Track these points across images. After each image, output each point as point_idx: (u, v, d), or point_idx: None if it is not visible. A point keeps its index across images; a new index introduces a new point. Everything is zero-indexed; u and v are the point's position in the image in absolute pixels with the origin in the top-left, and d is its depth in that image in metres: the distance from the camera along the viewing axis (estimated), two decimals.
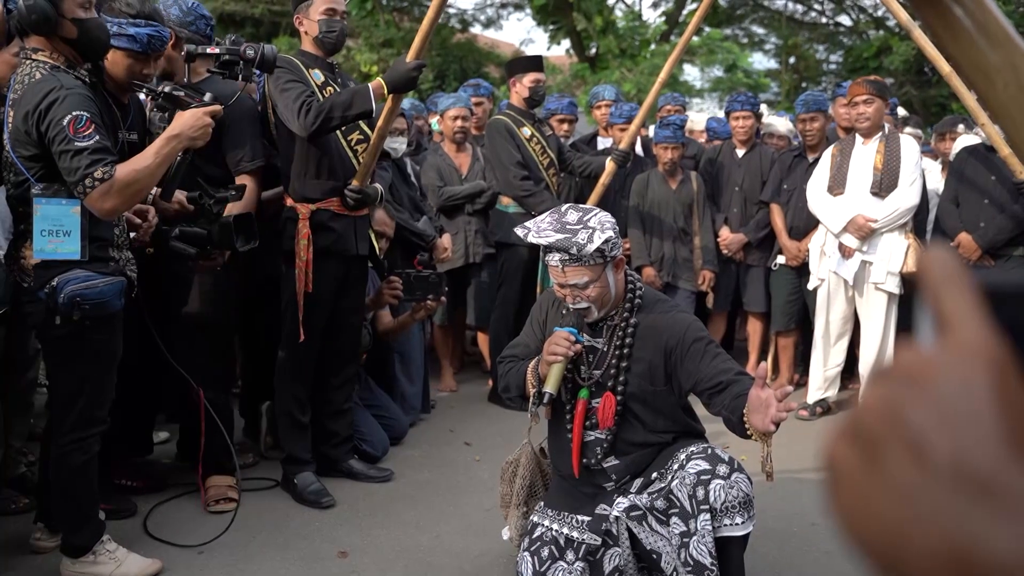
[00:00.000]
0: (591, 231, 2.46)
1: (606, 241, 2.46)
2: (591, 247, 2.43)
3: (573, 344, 2.47)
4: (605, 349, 2.62)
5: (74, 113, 2.49)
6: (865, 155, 4.56)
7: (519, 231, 2.58)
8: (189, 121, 2.66)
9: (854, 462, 0.37)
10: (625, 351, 2.58)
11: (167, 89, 2.81)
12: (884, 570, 0.35)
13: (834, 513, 0.38)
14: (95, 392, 2.73)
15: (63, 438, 2.73)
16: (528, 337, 2.79)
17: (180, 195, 3.03)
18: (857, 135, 4.62)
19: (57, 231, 2.57)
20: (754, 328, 5.59)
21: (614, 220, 2.57)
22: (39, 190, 2.56)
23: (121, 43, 2.79)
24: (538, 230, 2.51)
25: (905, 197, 4.43)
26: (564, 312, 2.62)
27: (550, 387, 2.46)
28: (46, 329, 2.66)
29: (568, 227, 2.48)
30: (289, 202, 3.51)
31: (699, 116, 7.11)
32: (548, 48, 15.57)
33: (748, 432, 2.26)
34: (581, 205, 2.65)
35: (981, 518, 0.33)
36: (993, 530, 0.32)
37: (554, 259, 2.50)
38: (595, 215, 2.53)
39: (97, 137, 2.51)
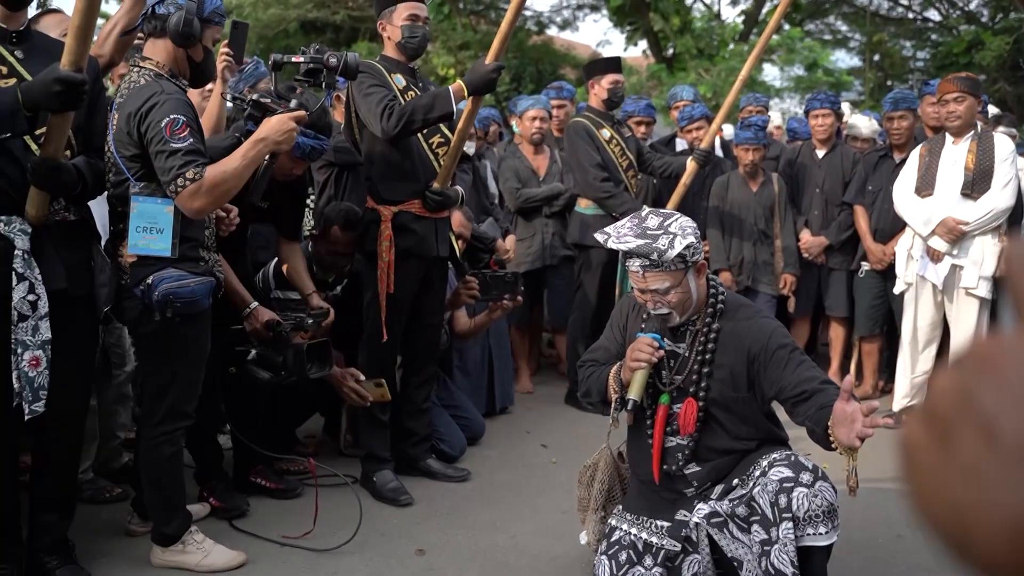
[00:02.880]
0: (672, 236, 2.44)
1: (687, 247, 2.43)
2: (672, 253, 2.41)
3: (656, 351, 2.45)
4: (687, 354, 2.59)
5: (171, 116, 2.61)
6: (956, 155, 4.41)
7: (599, 236, 2.56)
8: (275, 126, 2.75)
9: (927, 443, 0.38)
10: (708, 356, 2.55)
11: (255, 97, 2.91)
12: (953, 547, 0.37)
13: (907, 493, 0.39)
14: (184, 387, 2.84)
15: (152, 431, 2.84)
16: (608, 341, 2.78)
17: (265, 316, 3.24)
18: (947, 134, 4.47)
19: (151, 228, 2.69)
20: (836, 333, 5.45)
21: (695, 225, 2.54)
22: (138, 188, 2.70)
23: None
24: (618, 236, 2.49)
25: (999, 198, 4.26)
26: (645, 317, 2.60)
27: (634, 394, 2.44)
28: (139, 324, 2.79)
29: (648, 232, 2.46)
30: (371, 204, 3.57)
31: (775, 114, 7.01)
32: (625, 49, 15.45)
33: (832, 444, 2.22)
34: (662, 210, 2.62)
35: None
36: None
37: (635, 264, 2.48)
38: (676, 220, 2.50)
39: (191, 140, 2.63)
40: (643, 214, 2.57)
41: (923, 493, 0.38)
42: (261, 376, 3.22)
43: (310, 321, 3.31)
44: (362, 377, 3.53)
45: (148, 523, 3.05)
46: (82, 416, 2.87)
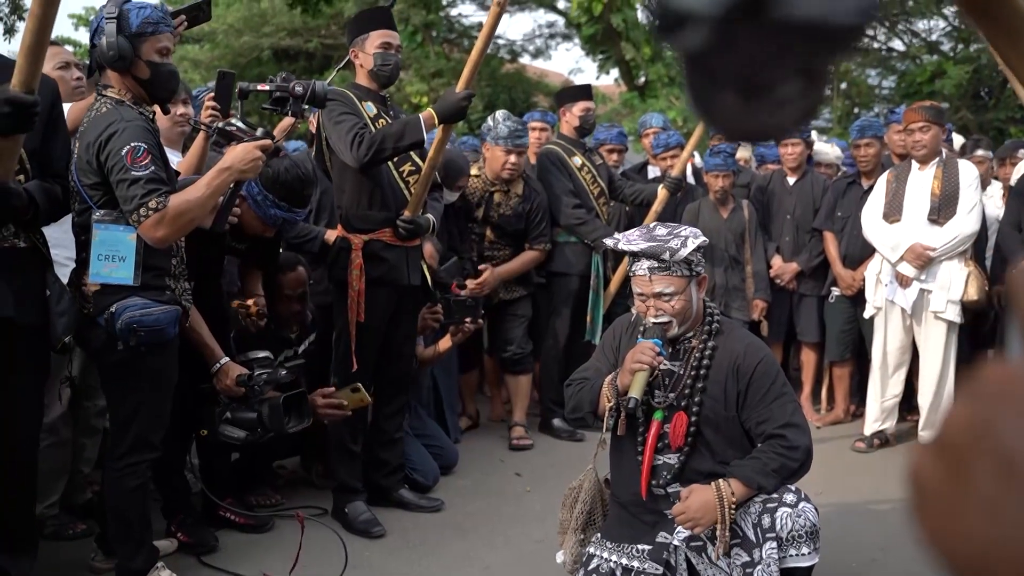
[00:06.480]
0: (684, 238, 2.52)
1: (697, 249, 2.51)
2: (685, 251, 2.48)
3: (657, 355, 2.44)
4: (681, 371, 2.59)
5: (132, 144, 2.57)
6: (922, 181, 4.47)
7: (608, 242, 2.68)
8: (240, 155, 2.72)
9: (941, 477, 0.37)
10: (702, 372, 2.56)
11: (220, 125, 2.89)
12: None
13: (920, 529, 0.38)
14: (150, 418, 2.78)
15: (117, 462, 2.78)
16: (599, 362, 2.76)
17: (234, 371, 3.11)
18: (913, 161, 4.54)
19: (113, 256, 2.64)
20: (808, 358, 5.48)
21: (705, 238, 2.61)
22: (99, 216, 2.65)
23: (258, 211, 3.19)
24: (628, 240, 2.57)
25: (964, 224, 4.32)
26: (643, 329, 2.58)
27: (635, 392, 2.41)
28: (104, 354, 2.73)
29: (659, 238, 2.54)
30: (342, 232, 3.55)
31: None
32: (597, 77, 15.63)
33: None
34: (667, 223, 2.74)
35: None
36: None
37: (642, 267, 2.53)
38: (685, 228, 2.61)
39: (153, 168, 2.59)
40: (651, 226, 2.68)
41: (937, 527, 0.37)
42: (236, 436, 3.09)
43: (283, 373, 3.19)
44: (331, 391, 3.47)
45: (112, 559, 2.96)
46: (31, 449, 2.76)
